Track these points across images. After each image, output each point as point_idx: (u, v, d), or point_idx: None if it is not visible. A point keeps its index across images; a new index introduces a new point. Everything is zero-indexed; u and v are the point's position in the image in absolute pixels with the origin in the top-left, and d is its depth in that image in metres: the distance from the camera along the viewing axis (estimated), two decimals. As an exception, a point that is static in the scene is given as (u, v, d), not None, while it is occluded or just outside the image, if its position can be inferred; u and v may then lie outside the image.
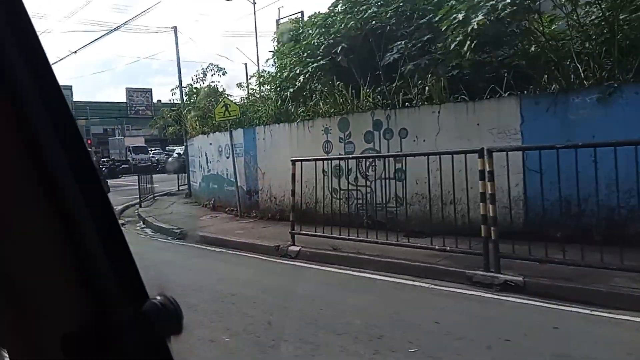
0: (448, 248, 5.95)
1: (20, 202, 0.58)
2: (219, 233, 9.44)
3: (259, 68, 26.21)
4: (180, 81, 18.36)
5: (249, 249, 8.22)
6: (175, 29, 18.35)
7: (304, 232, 7.69)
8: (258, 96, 13.28)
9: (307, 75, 8.20)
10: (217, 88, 16.48)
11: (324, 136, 9.29)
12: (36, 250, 0.60)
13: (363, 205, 8.63)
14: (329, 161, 8.80)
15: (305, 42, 8.66)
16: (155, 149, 47.69)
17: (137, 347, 0.62)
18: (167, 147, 49.49)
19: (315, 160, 8.03)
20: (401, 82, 7.79)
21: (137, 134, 55.69)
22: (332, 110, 9.17)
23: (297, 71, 8.41)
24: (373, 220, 8.10)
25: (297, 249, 7.55)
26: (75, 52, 23.73)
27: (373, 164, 8.51)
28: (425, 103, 7.78)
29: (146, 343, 0.63)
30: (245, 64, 21.07)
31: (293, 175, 7.86)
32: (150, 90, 65.97)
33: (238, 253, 8.12)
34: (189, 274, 6.81)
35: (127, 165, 40.07)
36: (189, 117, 16.77)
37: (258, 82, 14.39)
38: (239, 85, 18.11)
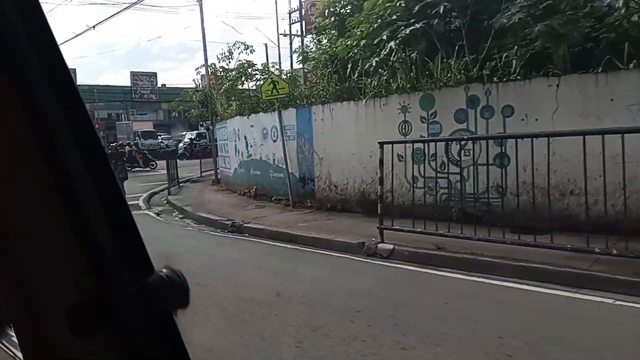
0: (614, 251, 4.78)
1: (21, 174, 0.57)
2: (280, 226, 8.30)
3: (279, 48, 25.03)
4: (206, 59, 17.08)
5: (323, 246, 7.08)
6: (200, 3, 17.00)
7: (397, 227, 6.53)
8: (307, 72, 12.02)
9: (397, 42, 6.94)
10: (251, 65, 15.15)
11: (401, 115, 8.09)
12: (39, 223, 0.58)
13: (450, 195, 7.48)
14: (405, 145, 7.64)
15: (388, 2, 7.36)
16: (163, 134, 46.44)
17: (142, 320, 0.62)
18: (179, 133, 48.33)
19: (413, 142, 7.06)
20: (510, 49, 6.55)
21: (141, 118, 54.24)
22: (411, 85, 7.95)
23: (384, 36, 7.14)
24: (465, 213, 6.96)
25: (390, 247, 6.41)
26: (94, 27, 22.28)
27: (465, 147, 7.32)
28: (539, 75, 6.56)
29: (152, 316, 0.62)
30: (265, 44, 19.80)
31: (381, 161, 6.68)
32: (155, 74, 64.48)
33: (313, 250, 6.98)
34: (275, 279, 5.67)
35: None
36: (218, 97, 15.54)
37: (301, 59, 13.13)
38: (265, 66, 16.81)
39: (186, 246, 7.53)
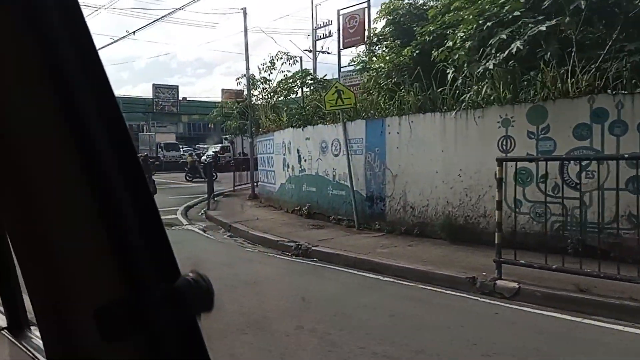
0: None
1: (59, 178, 0.59)
2: (356, 251, 7.27)
3: (315, 61, 24.21)
4: (248, 69, 16.29)
5: (419, 279, 6.04)
6: (244, 10, 16.28)
7: (523, 261, 5.45)
8: (368, 83, 11.10)
9: (523, 41, 5.91)
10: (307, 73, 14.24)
11: (501, 130, 7.07)
12: (72, 226, 0.59)
13: (565, 223, 6.40)
14: (504, 164, 6.60)
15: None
16: (185, 147, 45.94)
17: (169, 323, 0.62)
18: (196, 145, 47.87)
19: (546, 160, 6.01)
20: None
21: (161, 130, 53.78)
22: (513, 95, 6.95)
23: (504, 36, 6.12)
24: (585, 245, 5.88)
25: (514, 285, 5.33)
26: (134, 32, 21.68)
27: (587, 169, 6.27)
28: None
29: (178, 319, 0.62)
30: (300, 57, 18.94)
31: (500, 180, 5.65)
32: (176, 87, 64.64)
33: (409, 284, 5.94)
34: (392, 322, 4.62)
35: (158, 162, 38.07)
36: (262, 108, 14.67)
37: (359, 68, 12.24)
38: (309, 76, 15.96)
39: (258, 273, 6.52)
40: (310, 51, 36.56)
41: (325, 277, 6.30)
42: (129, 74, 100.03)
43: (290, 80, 16.51)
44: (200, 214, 13.76)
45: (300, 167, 11.31)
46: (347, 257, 7.09)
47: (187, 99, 65.69)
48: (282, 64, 16.70)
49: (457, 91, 7.78)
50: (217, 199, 16.87)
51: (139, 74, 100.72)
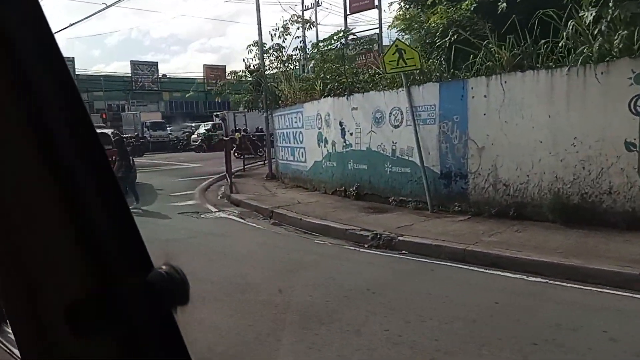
0: None
1: (21, 171, 0.57)
2: (457, 241, 6.02)
3: (304, 31, 21.96)
4: (261, 34, 14.62)
5: (566, 275, 4.79)
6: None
7: None
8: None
9: None
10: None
11: (634, 88, 5.79)
12: (38, 219, 0.58)
13: None
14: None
15: None
16: (170, 126, 43.77)
17: (142, 317, 0.60)
18: (182, 124, 45.76)
19: None
20: None
21: (142, 110, 51.21)
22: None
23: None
24: None
25: None
26: (108, 6, 19.60)
27: None
28: None
29: (151, 313, 0.61)
30: (316, 22, 17.28)
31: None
32: (156, 64, 61.97)
33: (563, 284, 4.67)
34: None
35: (143, 141, 35.81)
36: (283, 78, 13.11)
37: (402, 28, 10.78)
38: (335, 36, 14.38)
39: (366, 279, 5.15)
40: (298, 21, 34.76)
41: (462, 282, 4.96)
42: (100, 52, 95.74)
43: (327, 42, 14.87)
44: (220, 197, 12.34)
45: (345, 142, 9.91)
46: (452, 250, 5.81)
47: (167, 75, 63.02)
48: (297, 29, 15.07)
49: (563, 45, 6.46)
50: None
51: (111, 52, 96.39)
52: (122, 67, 67.47)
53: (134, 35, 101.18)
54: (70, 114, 0.59)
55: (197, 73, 63.98)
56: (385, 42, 18.60)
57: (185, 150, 34.42)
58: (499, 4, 8.22)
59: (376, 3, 20.74)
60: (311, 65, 13.98)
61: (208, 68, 64.30)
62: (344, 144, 9.94)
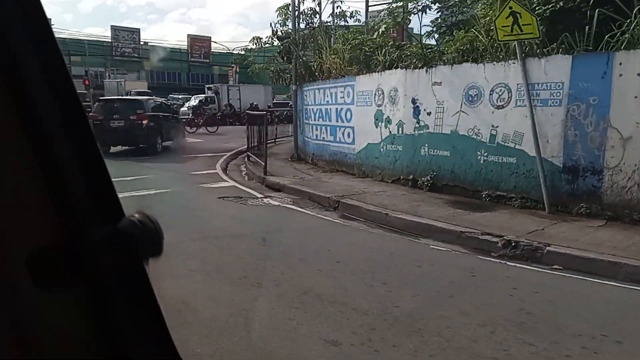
0: None
1: None
2: (626, 255, 4.69)
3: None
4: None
5: None
6: None
7: None
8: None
9: None
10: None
11: None
12: (2, 161, 0.55)
13: None
14: None
15: None
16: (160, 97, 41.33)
17: (111, 270, 0.58)
18: (169, 95, 43.39)
19: None
20: None
21: (120, 79, 48.37)
22: None
23: None
24: None
25: None
26: None
27: None
28: None
29: (121, 264, 0.59)
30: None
31: None
32: (138, 30, 58.99)
33: None
34: None
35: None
36: (326, 48, 11.47)
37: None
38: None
39: (571, 313, 3.75)
40: None
41: None
42: (73, 17, 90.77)
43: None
44: (247, 177, 10.79)
45: (418, 122, 8.44)
46: (634, 269, 4.48)
47: (149, 44, 59.93)
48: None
49: None
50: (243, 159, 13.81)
51: (84, 17, 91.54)
52: (97, 33, 63.84)
53: (110, 2, 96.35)
54: (44, 59, 0.55)
55: (179, 42, 61.11)
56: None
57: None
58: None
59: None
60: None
61: (193, 38, 61.33)
62: (417, 125, 8.47)
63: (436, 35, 12.79)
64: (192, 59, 61.03)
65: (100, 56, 51.83)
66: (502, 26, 6.71)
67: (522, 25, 6.61)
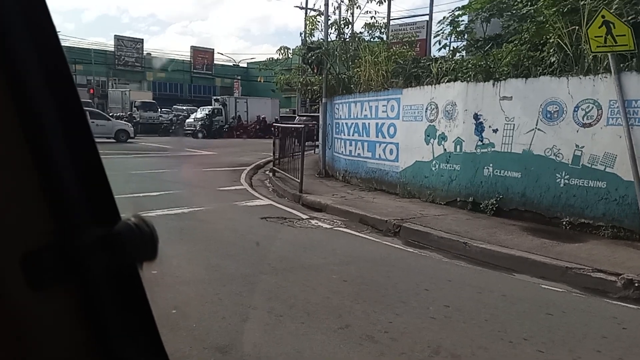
0: None
1: None
2: None
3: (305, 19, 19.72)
4: (327, 5, 12.24)
5: None
6: None
7: None
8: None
9: None
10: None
11: None
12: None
13: None
14: None
15: None
16: (164, 108, 40.66)
17: (104, 270, 0.58)
18: (173, 106, 42.78)
19: None
20: None
21: (122, 89, 47.76)
22: None
23: None
24: None
25: None
26: None
27: None
28: None
29: (115, 267, 0.58)
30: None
31: None
32: (141, 41, 58.45)
33: None
34: None
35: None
36: (365, 58, 10.78)
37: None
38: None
39: None
40: (302, 8, 32.39)
41: None
42: (75, 26, 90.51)
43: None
44: (276, 194, 10.02)
45: (481, 140, 7.70)
46: None
47: (152, 55, 59.46)
48: (368, 1, 12.77)
49: None
50: (265, 173, 13.05)
51: (87, 27, 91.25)
52: (99, 43, 63.36)
53: (113, 13, 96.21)
54: (45, 56, 0.55)
55: (182, 54, 60.78)
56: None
57: (178, 135, 31.40)
58: None
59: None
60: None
61: (195, 50, 60.86)
62: (480, 143, 7.73)
63: (464, 52, 12.20)
64: (194, 71, 60.59)
65: (104, 65, 51.29)
66: (595, 36, 6.03)
67: (616, 36, 5.94)
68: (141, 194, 9.00)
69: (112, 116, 29.15)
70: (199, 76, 60.39)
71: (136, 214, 0.60)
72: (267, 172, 13.47)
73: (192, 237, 6.07)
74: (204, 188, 10.45)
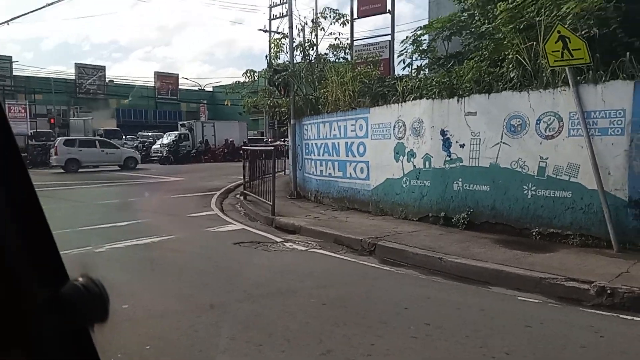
0: None
1: None
2: None
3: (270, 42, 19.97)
4: (291, 28, 12.37)
5: None
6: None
7: None
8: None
9: None
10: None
11: None
12: None
13: None
14: None
15: None
16: (129, 135, 39.97)
17: (54, 334, 0.54)
18: (138, 133, 42.09)
19: None
20: None
21: (84, 117, 46.75)
22: None
23: None
24: None
25: None
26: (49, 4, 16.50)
27: None
28: None
29: (64, 330, 0.55)
30: (352, 18, 15.24)
31: None
32: (103, 68, 57.66)
33: None
34: None
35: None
36: (332, 80, 10.88)
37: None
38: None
39: None
40: (265, 31, 32.70)
41: None
42: (34, 55, 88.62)
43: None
44: (248, 217, 9.91)
45: (449, 155, 7.83)
46: None
47: (115, 82, 58.55)
48: (331, 23, 12.98)
49: None
50: (236, 197, 12.89)
51: (46, 55, 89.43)
52: (59, 72, 62.09)
53: (73, 40, 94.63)
54: None
55: (146, 79, 60.18)
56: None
57: (144, 162, 30.79)
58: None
59: (389, 7, 19.01)
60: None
61: (160, 75, 60.32)
62: (448, 159, 7.85)
63: (426, 70, 12.51)
64: (159, 96, 59.98)
65: (65, 94, 50.09)
66: (552, 51, 6.25)
67: (572, 50, 6.18)
68: (107, 225, 8.73)
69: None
70: (164, 102, 59.81)
71: (84, 274, 0.58)
72: (238, 196, 13.30)
73: (163, 267, 5.89)
74: (173, 215, 10.22)
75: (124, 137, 37.57)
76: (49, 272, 0.56)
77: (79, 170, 23.00)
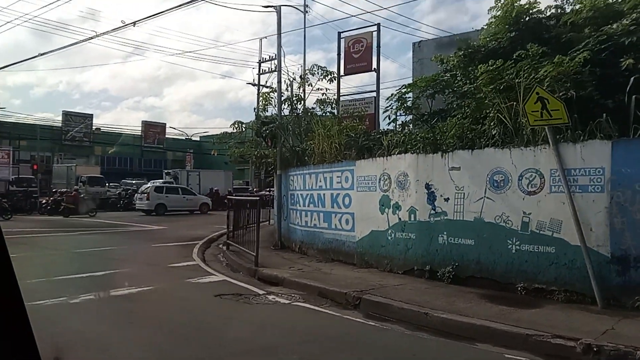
0: None
1: None
2: None
3: (258, 95, 20.50)
4: (280, 82, 12.68)
5: None
6: (278, 9, 12.83)
7: None
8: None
9: None
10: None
11: None
12: None
13: None
14: None
15: None
16: (112, 182, 39.57)
17: None
18: (121, 180, 41.74)
19: None
20: None
21: (70, 164, 46.40)
22: None
23: None
24: None
25: None
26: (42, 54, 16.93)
27: None
28: None
29: None
30: (338, 75, 15.73)
31: None
32: (90, 116, 57.97)
33: None
34: None
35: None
36: (318, 133, 11.06)
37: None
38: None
39: None
40: (254, 85, 33.54)
41: None
42: (22, 102, 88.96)
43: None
44: (229, 268, 9.72)
45: (434, 208, 7.89)
46: None
47: (102, 130, 58.74)
48: (319, 79, 13.35)
49: None
50: (218, 246, 12.69)
51: (35, 103, 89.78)
52: (47, 119, 62.11)
53: (62, 88, 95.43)
54: None
55: (133, 128, 60.51)
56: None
57: (126, 210, 30.35)
58: (622, 59, 7.08)
59: (374, 66, 19.68)
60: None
61: (147, 124, 60.71)
62: (433, 212, 7.90)
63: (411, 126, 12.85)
64: (145, 144, 60.08)
65: (49, 140, 49.83)
66: (532, 111, 6.47)
67: (551, 110, 6.40)
68: (85, 275, 8.48)
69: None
70: (150, 150, 59.91)
71: (58, 357, 0.60)
72: (220, 246, 13.10)
73: (141, 320, 5.68)
74: (153, 265, 9.99)
75: (107, 184, 37.17)
76: (22, 356, 0.57)
77: (165, 213, 25.56)
